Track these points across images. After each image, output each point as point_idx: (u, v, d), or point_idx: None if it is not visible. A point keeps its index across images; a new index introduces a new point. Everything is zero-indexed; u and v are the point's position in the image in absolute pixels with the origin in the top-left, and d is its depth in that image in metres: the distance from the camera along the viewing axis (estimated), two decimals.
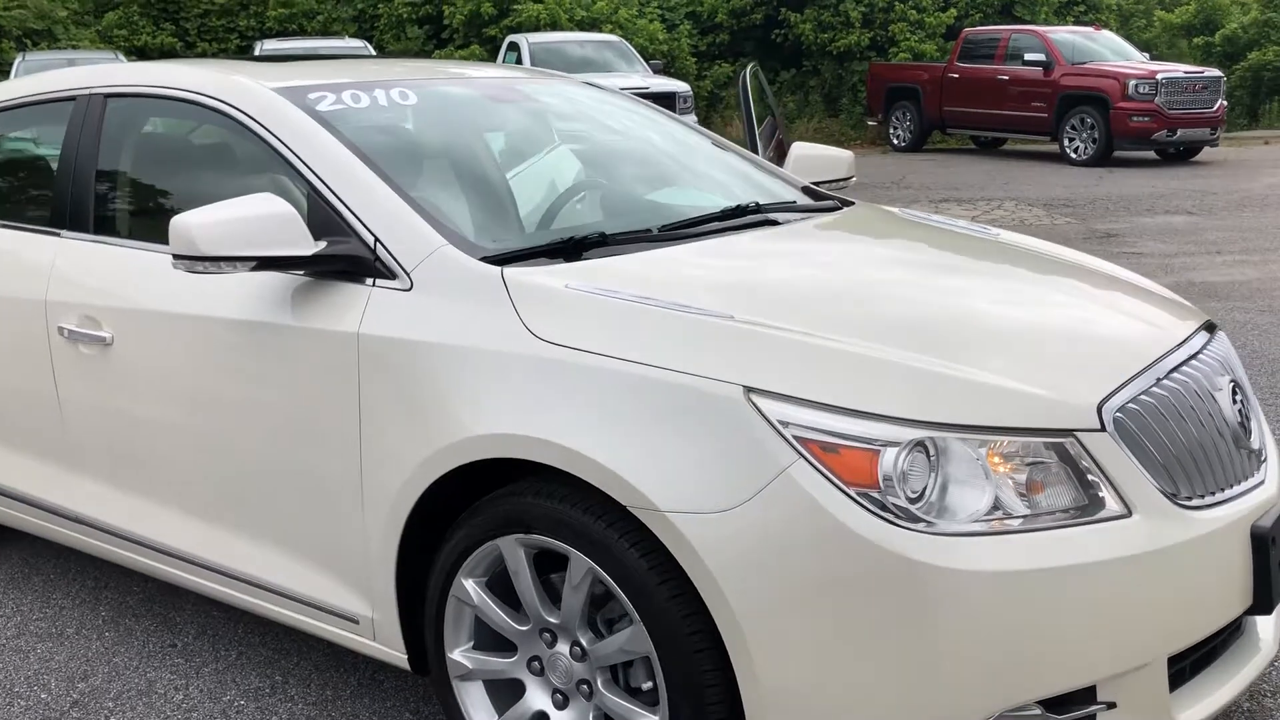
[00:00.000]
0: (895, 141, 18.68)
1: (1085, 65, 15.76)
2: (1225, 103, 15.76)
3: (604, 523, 2.04)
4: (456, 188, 2.82)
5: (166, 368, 2.73)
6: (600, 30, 19.90)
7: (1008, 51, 16.84)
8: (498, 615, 2.27)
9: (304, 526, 2.54)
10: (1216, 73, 15.76)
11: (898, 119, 18.68)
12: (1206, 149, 15.94)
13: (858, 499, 1.86)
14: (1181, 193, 12.31)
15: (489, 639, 2.34)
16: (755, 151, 5.29)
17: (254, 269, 2.41)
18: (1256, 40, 24.26)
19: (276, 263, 2.41)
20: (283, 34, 20.11)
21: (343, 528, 2.45)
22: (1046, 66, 15.96)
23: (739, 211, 2.88)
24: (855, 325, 2.14)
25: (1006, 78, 16.52)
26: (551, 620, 2.21)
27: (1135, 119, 14.82)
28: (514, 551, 2.20)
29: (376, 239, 2.42)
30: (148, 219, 3.03)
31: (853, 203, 3.31)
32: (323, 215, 2.50)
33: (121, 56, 16.22)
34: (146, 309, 2.77)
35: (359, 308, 2.39)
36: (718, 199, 3.04)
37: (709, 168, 3.37)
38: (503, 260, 2.37)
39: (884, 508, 1.87)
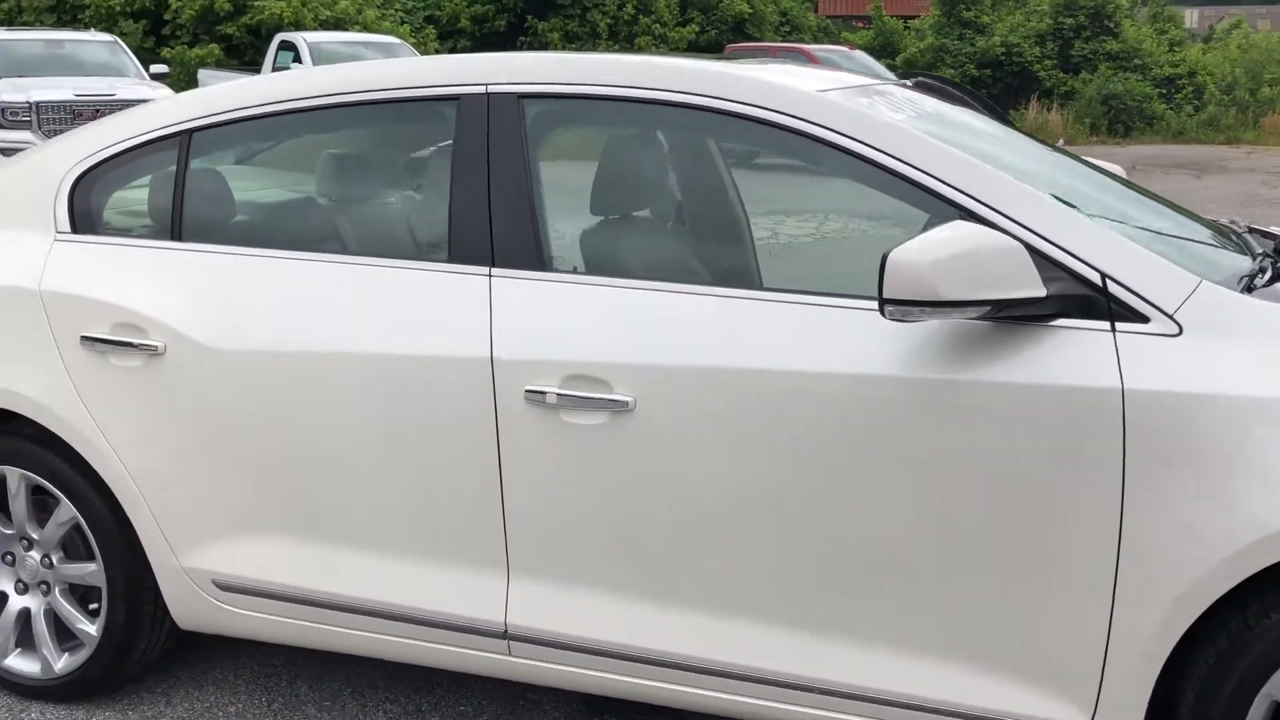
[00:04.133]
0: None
1: None
2: None
3: None
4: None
5: (728, 435, 2.16)
6: (346, 30, 18.78)
7: None
8: None
9: (983, 623, 2.09)
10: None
11: None
12: None
13: None
14: None
15: None
16: None
17: (982, 316, 1.96)
18: (933, 64, 26.59)
19: (1009, 306, 1.96)
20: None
21: (1067, 624, 2.03)
22: None
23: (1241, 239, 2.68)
24: None
25: None
26: None
27: None
28: None
29: (1105, 275, 2.02)
30: (661, 254, 2.41)
31: None
32: None
33: None
34: (687, 365, 2.18)
35: (1105, 358, 1.99)
36: (1195, 225, 2.80)
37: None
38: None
39: None
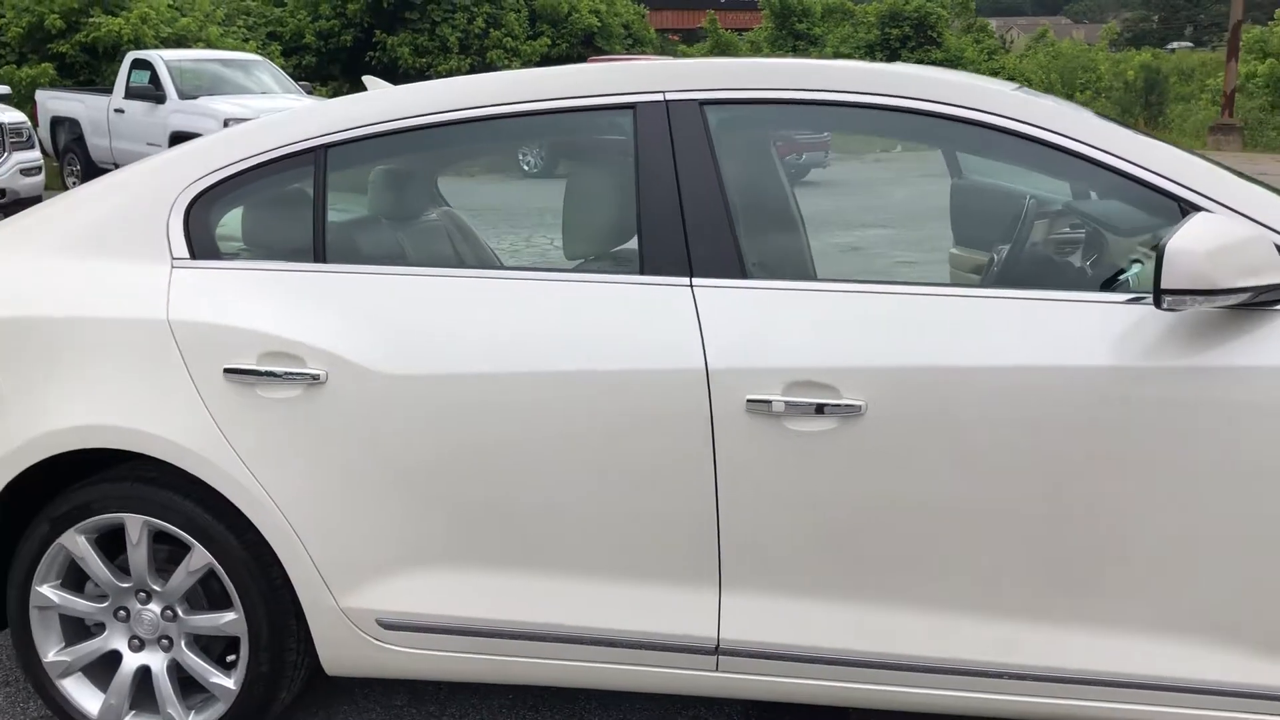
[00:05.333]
0: (526, 168, 18.80)
1: None
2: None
3: None
4: None
5: (958, 433, 2.18)
6: (190, 48, 17.97)
7: None
8: None
9: (1225, 601, 2.16)
10: None
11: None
12: (814, 169, 17.74)
13: None
14: None
15: None
16: None
17: (1243, 303, 2.04)
18: None
19: (1265, 291, 2.05)
20: None
21: None
22: None
23: None
24: None
25: None
26: None
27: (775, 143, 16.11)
28: None
29: None
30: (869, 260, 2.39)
31: None
32: None
33: None
34: (917, 365, 2.19)
35: None
36: None
37: None
38: None
39: None
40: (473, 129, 2.53)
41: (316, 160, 2.54)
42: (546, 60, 22.46)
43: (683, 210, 2.36)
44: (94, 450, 2.55)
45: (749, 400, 2.24)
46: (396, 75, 21.81)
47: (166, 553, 2.62)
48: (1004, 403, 2.17)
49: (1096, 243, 2.88)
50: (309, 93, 15.43)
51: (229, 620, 2.56)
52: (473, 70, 21.77)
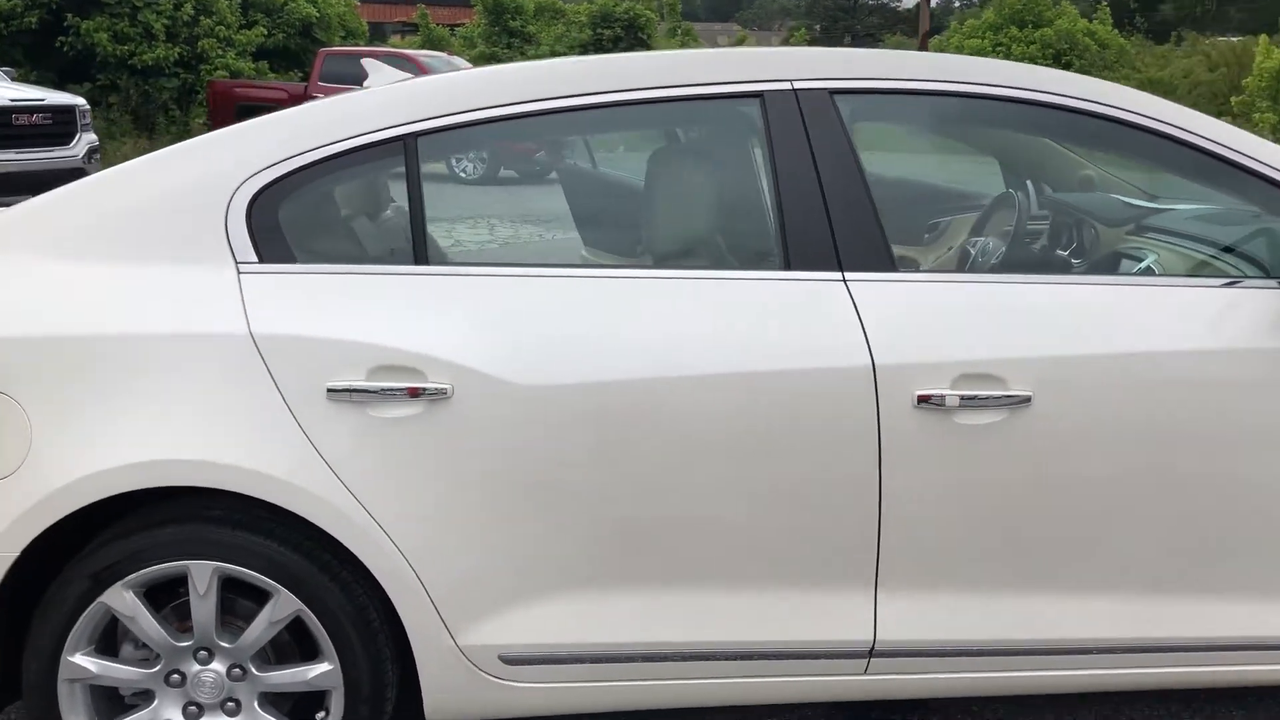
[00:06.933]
0: (463, 175, 17.75)
1: None
2: None
3: None
4: None
5: (1123, 420, 2.24)
6: None
7: None
8: None
9: None
10: None
11: None
12: None
13: None
14: None
15: None
16: None
17: None
18: None
19: None
20: None
21: None
22: None
23: None
24: None
25: None
26: None
27: None
28: None
29: None
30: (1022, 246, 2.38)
31: None
32: None
33: None
34: (1082, 355, 2.23)
35: None
36: None
37: None
38: None
39: None
40: (586, 117, 2.35)
41: (406, 150, 2.27)
42: (264, 53, 21.22)
43: (826, 203, 2.28)
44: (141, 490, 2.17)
45: (918, 396, 2.20)
46: (94, 64, 19.93)
47: (232, 603, 2.27)
48: (1164, 389, 2.24)
49: (1090, 233, 3.03)
50: (12, 79, 13.81)
51: (321, 673, 2.25)
52: (182, 60, 20.23)
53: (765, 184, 2.32)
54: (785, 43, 35.85)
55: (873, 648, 2.31)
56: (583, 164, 2.88)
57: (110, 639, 2.28)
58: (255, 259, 2.22)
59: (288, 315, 2.17)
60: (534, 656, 2.28)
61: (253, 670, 2.27)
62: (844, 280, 2.26)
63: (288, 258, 2.24)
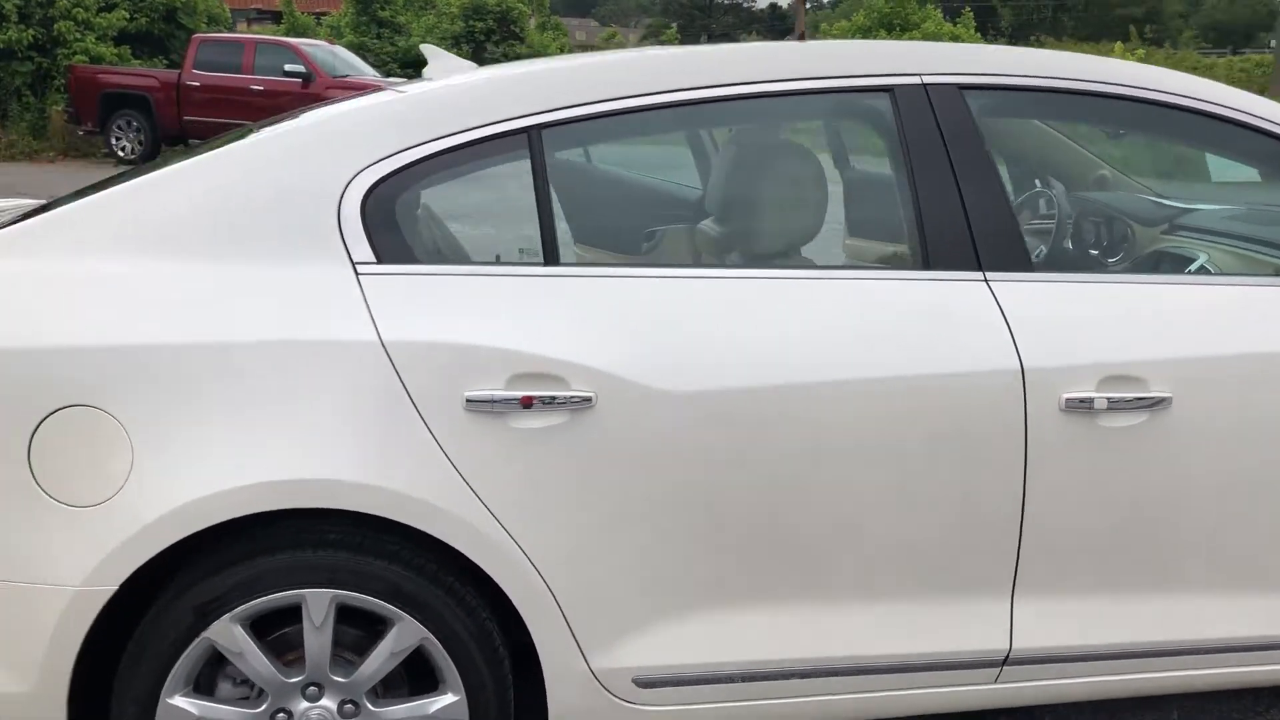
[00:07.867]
0: (122, 153, 16.83)
1: (347, 78, 16.05)
2: None
3: None
4: None
5: (1258, 418, 2.25)
6: None
7: (256, 62, 16.33)
8: None
9: None
10: None
11: (121, 128, 16.86)
12: None
13: None
14: None
15: None
16: None
17: None
18: None
19: None
20: None
21: None
22: (307, 78, 15.87)
23: None
24: None
25: (261, 88, 16.03)
26: None
27: None
28: None
29: None
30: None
31: None
32: None
33: None
34: (1222, 355, 2.23)
35: None
36: None
37: None
38: None
39: None
40: (705, 111, 2.24)
41: (531, 144, 2.12)
42: (128, 38, 20.15)
43: (963, 201, 2.22)
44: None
45: (1066, 399, 2.17)
46: None
47: (341, 633, 2.08)
48: (1251, 390, 2.26)
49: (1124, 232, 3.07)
50: None
51: (447, 704, 2.09)
52: (36, 44, 19.08)
53: (900, 180, 2.25)
54: (646, 41, 35.93)
55: (1007, 656, 2.27)
56: (706, 160, 2.75)
57: (210, 678, 2.07)
58: (373, 259, 2.04)
59: (420, 321, 2.00)
60: (667, 678, 2.16)
61: (367, 706, 2.09)
62: (985, 280, 2.21)
63: (407, 258, 2.07)
